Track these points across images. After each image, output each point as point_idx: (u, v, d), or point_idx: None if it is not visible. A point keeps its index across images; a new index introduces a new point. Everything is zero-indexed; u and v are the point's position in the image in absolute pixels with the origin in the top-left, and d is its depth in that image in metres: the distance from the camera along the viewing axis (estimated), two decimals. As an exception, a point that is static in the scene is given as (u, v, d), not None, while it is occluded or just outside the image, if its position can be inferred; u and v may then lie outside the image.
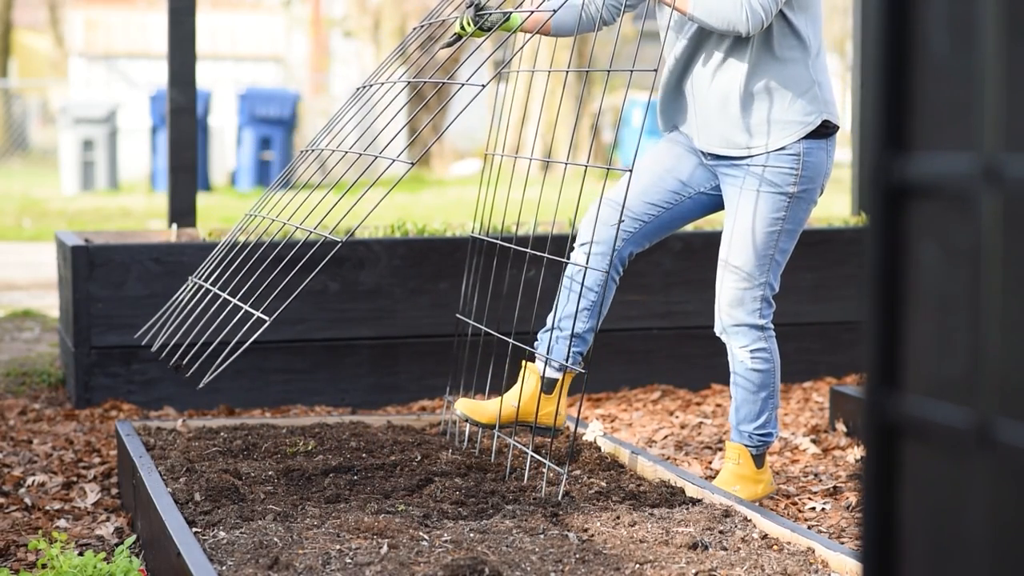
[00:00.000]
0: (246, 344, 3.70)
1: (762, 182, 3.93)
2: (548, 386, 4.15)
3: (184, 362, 3.96)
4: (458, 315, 4.62)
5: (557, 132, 18.66)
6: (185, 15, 6.10)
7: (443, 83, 3.96)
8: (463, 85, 3.77)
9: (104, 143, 17.41)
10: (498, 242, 4.36)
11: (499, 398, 4.19)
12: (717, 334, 4.06)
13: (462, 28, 4.06)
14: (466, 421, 4.22)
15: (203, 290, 4.17)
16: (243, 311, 3.83)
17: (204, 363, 3.89)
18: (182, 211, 6.16)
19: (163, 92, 14.94)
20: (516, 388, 4.17)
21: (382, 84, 4.23)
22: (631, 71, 3.79)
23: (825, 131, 3.96)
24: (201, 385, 3.94)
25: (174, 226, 6.10)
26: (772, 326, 4.05)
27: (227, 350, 3.69)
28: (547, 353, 4.10)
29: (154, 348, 4.29)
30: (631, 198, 4.07)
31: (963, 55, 1.23)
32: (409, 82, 4.06)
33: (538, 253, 4.25)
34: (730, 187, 4.00)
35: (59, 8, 30.64)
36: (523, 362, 4.21)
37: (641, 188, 4.06)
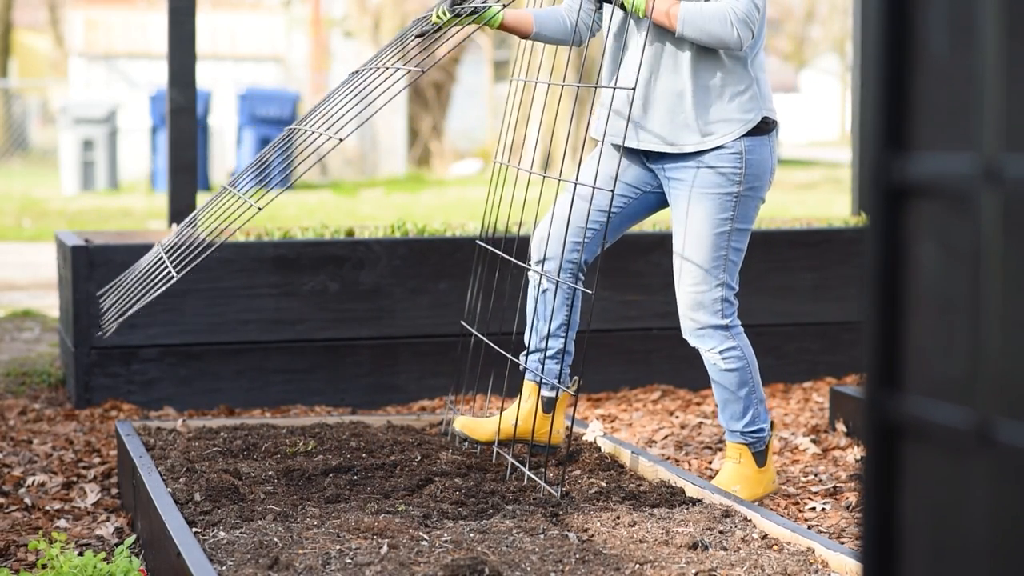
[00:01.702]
0: (151, 296, 3.73)
1: (707, 183, 3.95)
2: (547, 405, 4.18)
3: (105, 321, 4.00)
4: (463, 322, 4.61)
5: (557, 134, 18.65)
6: (185, 15, 6.10)
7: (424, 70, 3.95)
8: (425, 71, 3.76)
9: (104, 143, 17.40)
10: (501, 254, 4.36)
11: (498, 416, 4.21)
12: (685, 339, 4.07)
13: (437, 18, 4.07)
14: (464, 440, 4.23)
15: (161, 260, 4.21)
16: (168, 271, 3.86)
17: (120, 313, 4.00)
18: (182, 211, 6.16)
19: (163, 92, 14.93)
20: (514, 406, 4.19)
21: (360, 71, 4.22)
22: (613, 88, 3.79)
23: (765, 128, 3.98)
24: (103, 334, 4.04)
25: (174, 226, 6.11)
26: (738, 322, 4.05)
27: (133, 303, 3.73)
28: (541, 375, 4.11)
29: (103, 308, 4.33)
30: (580, 209, 4.08)
31: (963, 55, 1.23)
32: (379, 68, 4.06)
33: (532, 269, 4.24)
34: (675, 190, 4.01)
35: (59, 8, 30.63)
36: (523, 381, 4.23)
37: (589, 197, 4.06)
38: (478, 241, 4.55)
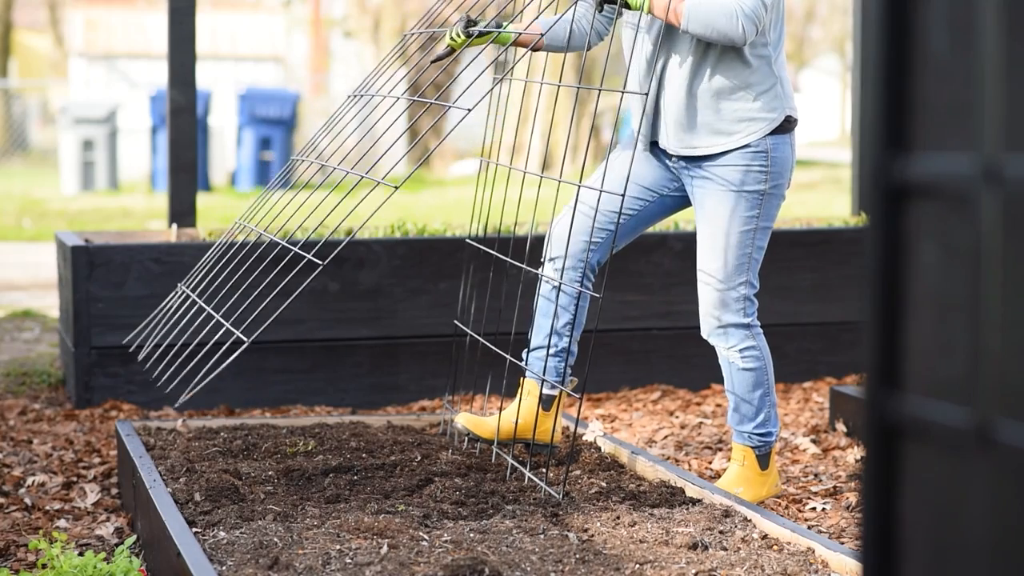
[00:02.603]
0: (222, 366, 3.77)
1: (733, 182, 3.95)
2: (546, 403, 4.18)
3: (155, 372, 4.03)
4: (456, 320, 4.62)
5: (557, 133, 18.65)
6: (185, 15, 6.10)
7: (434, 103, 3.96)
8: (449, 107, 3.78)
9: (104, 143, 17.40)
10: (494, 253, 4.36)
11: (499, 414, 4.21)
12: (705, 337, 4.07)
13: (452, 41, 4.09)
14: (467, 435, 4.23)
15: (189, 299, 4.23)
16: (225, 328, 3.90)
17: (179, 374, 4.01)
18: (182, 211, 6.15)
19: (163, 92, 14.93)
20: (514, 405, 4.19)
21: (373, 96, 4.26)
22: (622, 92, 3.79)
23: (788, 126, 3.98)
24: (177, 405, 4.15)
25: (174, 226, 6.10)
26: (758, 323, 4.05)
27: (203, 372, 3.76)
28: (543, 374, 4.12)
29: (140, 357, 4.36)
30: (591, 211, 4.08)
31: (963, 55, 1.23)
32: (398, 98, 4.08)
33: (528, 268, 4.25)
34: (699, 189, 4.01)
35: (59, 8, 30.63)
36: (520, 379, 4.23)
37: (605, 199, 4.06)
38: (468, 240, 4.56)
